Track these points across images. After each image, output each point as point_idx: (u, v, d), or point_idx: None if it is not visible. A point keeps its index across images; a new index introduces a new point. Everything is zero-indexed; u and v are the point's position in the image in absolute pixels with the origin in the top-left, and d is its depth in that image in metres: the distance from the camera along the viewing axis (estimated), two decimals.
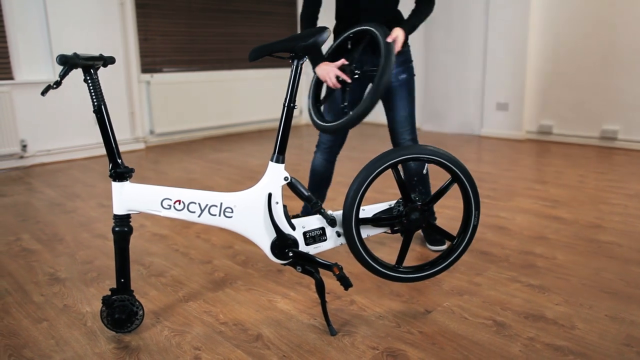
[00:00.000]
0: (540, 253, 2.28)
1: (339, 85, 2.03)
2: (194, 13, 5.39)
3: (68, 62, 1.43)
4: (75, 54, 1.44)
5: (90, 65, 1.49)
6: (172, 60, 5.31)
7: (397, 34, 1.98)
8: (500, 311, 1.77)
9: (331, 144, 2.34)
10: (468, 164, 4.15)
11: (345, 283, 1.60)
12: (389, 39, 1.90)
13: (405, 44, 2.19)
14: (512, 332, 1.64)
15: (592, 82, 4.66)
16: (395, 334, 1.64)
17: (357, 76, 2.03)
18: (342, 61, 2.04)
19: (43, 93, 1.48)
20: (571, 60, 4.77)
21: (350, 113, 1.90)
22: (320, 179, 2.42)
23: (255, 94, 6.03)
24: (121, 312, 1.65)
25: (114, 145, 1.56)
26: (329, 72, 2.02)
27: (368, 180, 1.63)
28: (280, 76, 6.27)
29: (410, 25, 2.07)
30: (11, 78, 4.23)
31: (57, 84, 1.46)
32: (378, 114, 6.66)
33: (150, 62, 5.13)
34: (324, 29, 1.53)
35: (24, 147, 4.31)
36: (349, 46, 2.15)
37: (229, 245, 2.47)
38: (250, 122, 6.11)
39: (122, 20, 4.76)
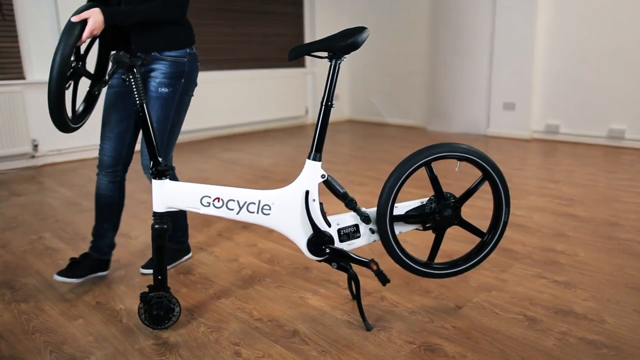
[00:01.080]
0: (562, 250, 2.31)
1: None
2: (201, 13, 5.41)
3: (121, 62, 1.46)
4: (124, 53, 1.46)
5: (134, 65, 1.51)
6: None
7: (90, 14, 1.62)
8: (529, 306, 1.81)
9: (114, 163, 1.96)
10: None
11: (383, 278, 1.63)
12: (75, 19, 1.60)
13: (179, 52, 1.88)
14: (544, 326, 1.67)
15: (599, 81, 4.71)
16: (430, 329, 1.67)
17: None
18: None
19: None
20: (578, 59, 4.82)
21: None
22: (108, 205, 2.02)
23: (261, 93, 6.05)
24: (159, 308, 1.67)
25: (154, 143, 1.58)
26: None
27: (402, 178, 1.65)
28: (286, 76, 6.29)
29: (120, 11, 1.71)
30: (22, 78, 4.23)
31: (105, 82, 1.49)
32: (382, 112, 6.70)
33: None
34: (364, 28, 1.55)
35: (35, 146, 4.31)
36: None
37: (252, 244, 2.49)
38: (257, 122, 6.13)
39: None
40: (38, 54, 4.29)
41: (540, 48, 5.04)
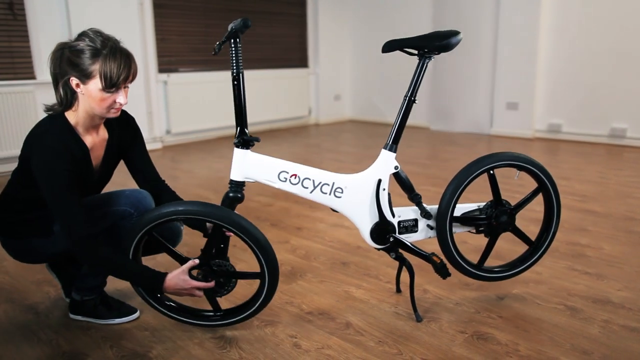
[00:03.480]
0: (587, 244, 2.40)
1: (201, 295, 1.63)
2: (209, 13, 5.42)
3: (240, 30, 1.49)
4: (245, 22, 1.49)
5: (236, 34, 1.53)
6: (188, 60, 5.34)
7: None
8: (568, 297, 1.88)
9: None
10: None
11: (445, 272, 1.68)
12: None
13: None
14: (585, 315, 1.75)
15: (601, 81, 4.84)
16: (478, 319, 1.74)
17: (217, 274, 1.63)
18: (191, 263, 1.60)
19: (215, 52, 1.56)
20: (580, 59, 4.95)
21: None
22: None
23: (265, 93, 6.08)
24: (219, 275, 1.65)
25: (244, 114, 1.59)
26: (185, 288, 1.58)
27: (467, 181, 1.71)
28: (290, 76, 6.32)
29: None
30: (33, 78, 4.21)
31: (216, 52, 1.55)
32: (384, 112, 6.77)
33: (167, 62, 5.15)
34: (458, 32, 1.62)
35: None
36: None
37: (284, 240, 2.53)
38: (261, 122, 6.16)
39: (141, 20, 4.77)
40: (48, 54, 4.27)
41: (543, 48, 5.16)
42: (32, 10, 4.13)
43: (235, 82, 1.56)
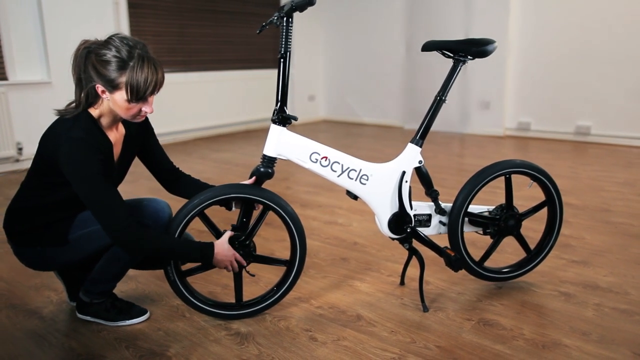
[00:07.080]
0: (569, 234, 2.54)
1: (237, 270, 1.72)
2: (184, 14, 5.37)
3: (302, 7, 1.52)
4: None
5: (294, 11, 1.55)
6: (165, 60, 5.27)
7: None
8: (560, 283, 2.00)
9: None
10: (461, 159, 4.43)
11: (458, 265, 1.76)
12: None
13: None
14: (579, 300, 1.87)
15: (567, 81, 5.09)
16: (481, 307, 1.83)
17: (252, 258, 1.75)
18: (230, 233, 1.69)
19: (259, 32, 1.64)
20: (547, 60, 5.19)
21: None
22: None
23: (241, 94, 6.07)
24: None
25: (286, 92, 1.62)
26: (228, 255, 1.65)
27: (485, 181, 1.80)
28: (264, 77, 6.32)
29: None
30: (5, 79, 4.07)
31: (263, 28, 1.62)
32: (357, 112, 6.87)
33: None
34: (493, 40, 1.70)
35: (20, 149, 4.15)
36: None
37: (281, 239, 2.56)
38: (239, 123, 6.14)
39: (117, 20, 4.69)
40: (21, 54, 4.14)
41: (513, 50, 5.38)
42: (3, 9, 3.99)
43: (282, 60, 1.59)
